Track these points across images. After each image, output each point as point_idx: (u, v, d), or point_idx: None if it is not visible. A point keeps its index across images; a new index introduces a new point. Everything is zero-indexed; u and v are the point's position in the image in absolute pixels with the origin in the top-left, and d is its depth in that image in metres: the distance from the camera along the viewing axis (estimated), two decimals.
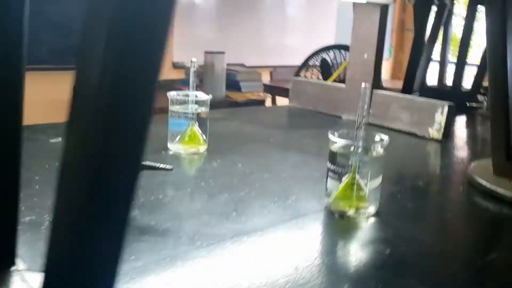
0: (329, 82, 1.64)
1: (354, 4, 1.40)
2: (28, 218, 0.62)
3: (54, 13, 3.11)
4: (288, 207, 0.72)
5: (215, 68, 2.75)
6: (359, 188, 0.70)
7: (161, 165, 0.67)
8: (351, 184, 0.70)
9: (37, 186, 0.73)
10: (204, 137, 1.01)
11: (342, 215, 0.71)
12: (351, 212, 0.70)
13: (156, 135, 1.00)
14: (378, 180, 0.71)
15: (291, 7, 4.46)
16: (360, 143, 0.70)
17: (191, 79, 0.99)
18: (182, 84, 2.71)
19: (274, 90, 3.34)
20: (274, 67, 4.08)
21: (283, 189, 0.79)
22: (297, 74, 2.32)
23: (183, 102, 0.99)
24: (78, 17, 3.20)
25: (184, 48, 3.77)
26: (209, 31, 3.98)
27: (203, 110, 1.01)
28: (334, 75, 2.04)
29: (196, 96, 1.00)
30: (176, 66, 3.75)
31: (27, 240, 0.56)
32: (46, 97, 3.18)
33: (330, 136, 0.70)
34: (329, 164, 0.71)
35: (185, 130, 0.99)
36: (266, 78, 3.75)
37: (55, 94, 3.19)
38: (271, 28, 4.33)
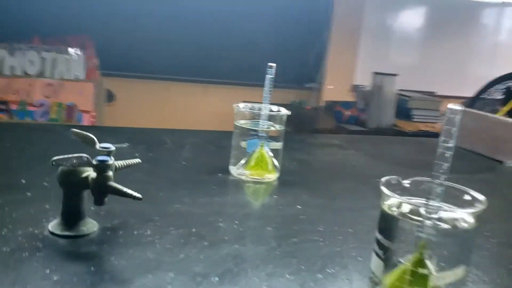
0: (496, 115, 1.26)
1: None
2: None
3: (239, 31, 3.15)
4: (308, 282, 0.46)
5: (384, 92, 2.46)
6: (425, 280, 0.41)
7: (129, 191, 0.49)
8: (413, 272, 0.41)
9: (28, 193, 0.62)
10: (276, 163, 0.79)
11: None
12: None
13: (223, 153, 0.82)
14: (461, 270, 0.41)
15: (505, 34, 3.81)
16: (435, 204, 0.41)
17: (266, 87, 0.78)
18: (343, 106, 2.49)
19: None
20: (469, 98, 3.53)
21: (330, 254, 0.53)
22: (471, 104, 1.91)
23: (254, 117, 0.79)
24: (261, 36, 3.21)
25: (368, 70, 3.52)
26: (403, 55, 3.62)
27: (278, 128, 0.79)
28: (505, 108, 1.58)
29: (270, 110, 0.79)
30: (354, 89, 3.52)
31: None
32: (220, 109, 3.26)
33: (383, 188, 0.43)
34: (377, 233, 0.44)
35: (252, 152, 0.78)
36: None
37: (227, 107, 3.26)
38: (478, 56, 3.75)
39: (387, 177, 0.44)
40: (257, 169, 0.78)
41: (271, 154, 0.78)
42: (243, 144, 0.80)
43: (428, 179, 0.44)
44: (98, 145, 0.53)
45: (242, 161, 0.79)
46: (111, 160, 0.50)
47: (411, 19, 3.55)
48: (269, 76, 0.78)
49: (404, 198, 0.42)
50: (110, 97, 2.74)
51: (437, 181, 0.41)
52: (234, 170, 0.79)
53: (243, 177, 0.78)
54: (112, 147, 0.53)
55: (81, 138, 0.55)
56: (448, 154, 0.41)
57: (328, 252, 0.54)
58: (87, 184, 0.50)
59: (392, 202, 0.43)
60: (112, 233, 0.53)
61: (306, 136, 1.17)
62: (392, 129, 2.47)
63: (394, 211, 0.42)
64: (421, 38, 3.61)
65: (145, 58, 2.95)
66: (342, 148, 1.07)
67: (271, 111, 0.79)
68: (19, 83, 2.22)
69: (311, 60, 3.43)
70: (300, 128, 2.37)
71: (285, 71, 3.43)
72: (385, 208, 0.43)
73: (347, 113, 2.47)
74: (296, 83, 3.48)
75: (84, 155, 0.49)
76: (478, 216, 0.41)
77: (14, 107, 2.19)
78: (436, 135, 2.53)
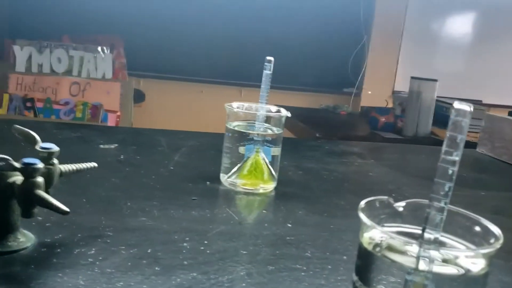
0: None
1: None
2: None
3: (277, 33, 3.04)
4: None
5: (422, 98, 2.30)
6: None
7: (55, 203, 0.40)
8: None
9: None
10: (273, 172, 0.69)
11: None
12: None
13: (221, 159, 0.72)
14: None
15: None
16: (434, 236, 0.30)
17: (263, 85, 0.68)
18: (378, 112, 2.35)
19: None
20: None
21: (310, 285, 0.43)
22: None
23: (249, 119, 0.70)
24: (299, 39, 3.10)
25: (409, 76, 3.35)
26: (447, 61, 3.42)
27: (276, 131, 0.69)
28: None
29: (268, 111, 0.69)
30: (394, 95, 3.36)
31: None
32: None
33: (361, 214, 0.32)
34: (354, 275, 0.33)
35: (246, 159, 0.69)
36: None
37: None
38: None
39: (370, 198, 0.33)
40: (251, 178, 0.68)
41: (266, 161, 0.69)
42: (241, 149, 0.71)
43: (427, 201, 0.33)
44: (39, 145, 0.45)
45: (235, 169, 0.69)
46: (40, 164, 0.41)
47: (456, 23, 3.36)
48: (267, 72, 0.68)
49: (390, 229, 0.32)
50: (140, 97, 2.70)
51: (436, 204, 0.31)
52: (224, 178, 0.70)
53: (234, 187, 0.68)
54: (55, 148, 0.45)
55: (22, 135, 0.47)
56: (452, 170, 0.30)
57: (308, 286, 0.43)
58: (14, 191, 0.42)
59: (375, 234, 0.32)
60: (48, 250, 0.44)
61: (323, 142, 1.07)
62: (430, 138, 2.30)
63: (376, 246, 0.32)
64: (466, 43, 3.41)
65: (177, 59, 2.90)
66: (361, 157, 0.95)
67: (269, 112, 0.69)
68: (46, 81, 2.21)
69: (350, 65, 3.30)
70: (331, 134, 2.24)
71: (323, 75, 3.32)
72: (364, 242, 0.32)
73: (383, 119, 2.32)
74: (334, 88, 3.36)
75: (5, 157, 0.40)
76: (491, 257, 0.30)
77: (40, 105, 2.18)
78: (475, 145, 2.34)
